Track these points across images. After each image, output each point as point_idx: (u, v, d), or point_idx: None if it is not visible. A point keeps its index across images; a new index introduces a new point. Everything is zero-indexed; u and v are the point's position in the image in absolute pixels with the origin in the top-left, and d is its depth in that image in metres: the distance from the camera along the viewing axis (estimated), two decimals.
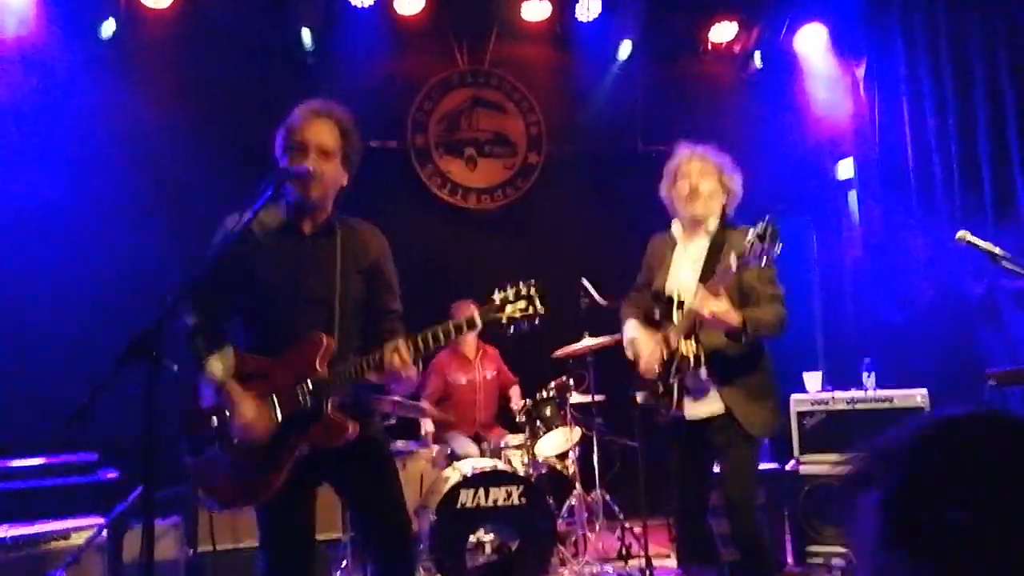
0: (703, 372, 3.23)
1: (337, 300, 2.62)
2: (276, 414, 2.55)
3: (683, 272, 3.37)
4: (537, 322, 2.55)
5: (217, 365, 2.57)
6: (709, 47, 6.65)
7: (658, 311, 3.42)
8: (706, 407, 3.27)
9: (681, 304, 3.27)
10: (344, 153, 2.68)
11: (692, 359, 3.21)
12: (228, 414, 2.55)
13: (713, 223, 3.35)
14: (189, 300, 2.63)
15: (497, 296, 2.53)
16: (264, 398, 2.56)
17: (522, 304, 2.51)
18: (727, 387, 3.23)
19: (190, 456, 2.65)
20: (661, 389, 3.34)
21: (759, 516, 3.41)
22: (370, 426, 2.72)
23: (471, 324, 2.52)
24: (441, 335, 2.52)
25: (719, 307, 3.04)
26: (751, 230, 2.90)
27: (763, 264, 2.92)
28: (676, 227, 3.48)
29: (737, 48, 6.68)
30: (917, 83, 5.85)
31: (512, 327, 2.54)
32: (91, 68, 5.53)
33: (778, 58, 6.63)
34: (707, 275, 3.21)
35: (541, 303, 2.53)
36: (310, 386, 2.54)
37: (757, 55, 6.66)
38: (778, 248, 2.86)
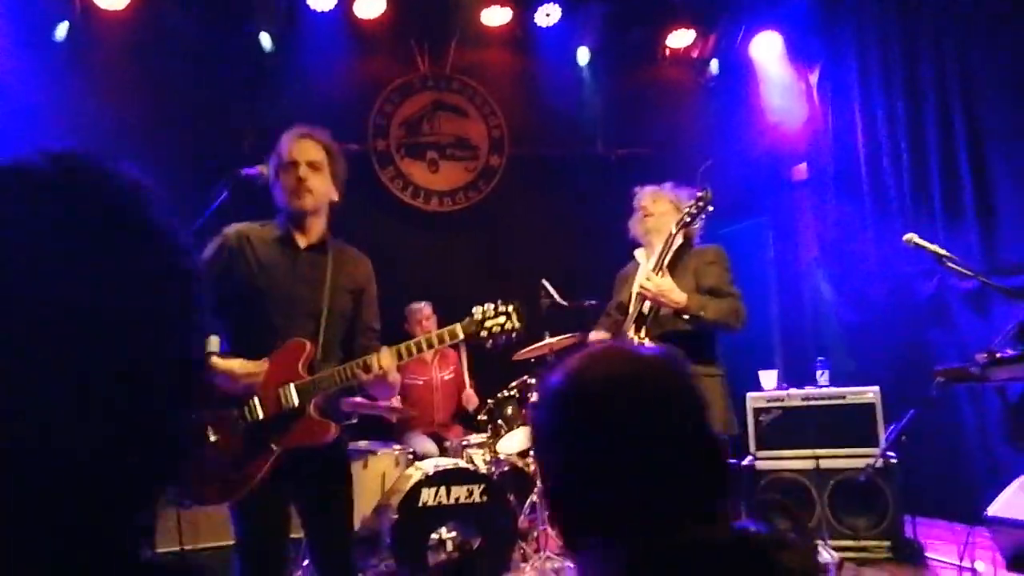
0: None
1: (324, 312, 2.74)
2: (258, 414, 2.64)
3: (642, 279, 3.56)
4: (515, 336, 2.77)
5: (207, 342, 2.64)
6: (667, 53, 6.76)
7: (621, 319, 3.62)
8: None
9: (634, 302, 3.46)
10: (332, 170, 2.84)
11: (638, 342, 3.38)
12: (225, 381, 2.59)
13: (676, 241, 3.57)
14: None
15: (477, 311, 2.73)
16: (245, 399, 2.65)
17: (501, 319, 2.72)
18: None
19: None
20: None
21: None
22: (339, 436, 2.80)
23: (452, 335, 2.71)
24: (424, 345, 2.71)
25: (662, 281, 3.27)
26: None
27: (698, 223, 3.29)
28: (639, 254, 3.76)
29: (695, 54, 6.79)
30: (869, 89, 5.98)
31: (491, 341, 2.73)
32: (45, 70, 5.47)
33: (734, 65, 6.75)
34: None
35: (518, 319, 2.74)
36: (294, 388, 2.64)
37: (714, 62, 6.79)
38: (711, 208, 3.27)
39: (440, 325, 5.46)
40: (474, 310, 2.75)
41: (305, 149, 2.79)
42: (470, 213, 6.57)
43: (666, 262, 3.47)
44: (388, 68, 6.46)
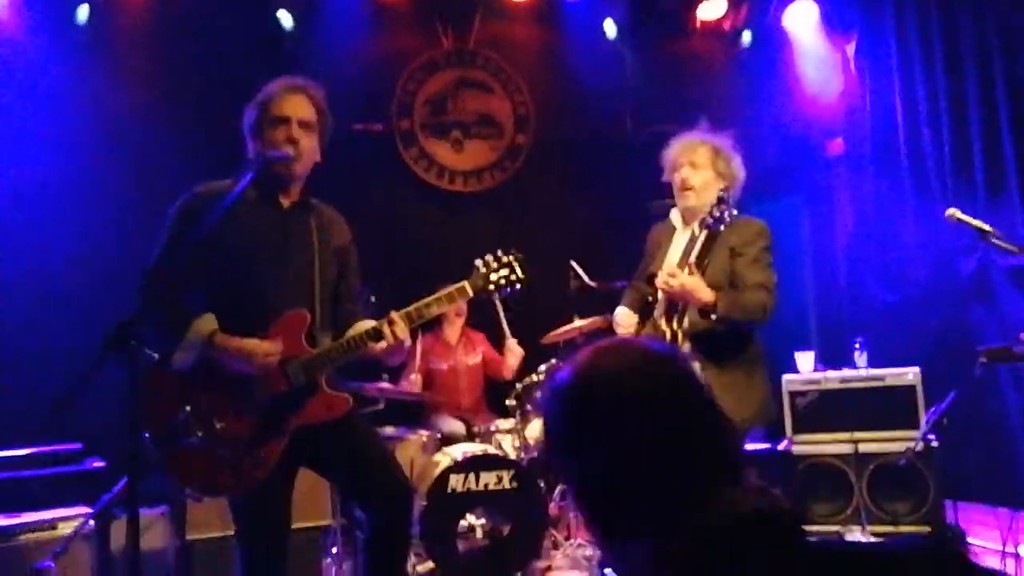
0: (688, 353, 3.22)
1: (316, 277, 2.61)
2: (266, 393, 2.52)
3: (674, 256, 3.37)
4: (520, 288, 2.66)
5: (203, 322, 2.49)
6: (698, 25, 6.58)
7: (650, 295, 3.41)
8: None
9: None
10: (320, 129, 2.70)
11: (669, 337, 3.20)
12: (239, 362, 2.47)
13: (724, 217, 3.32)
14: (161, 279, 2.58)
15: (480, 265, 2.60)
16: (253, 378, 2.52)
17: (505, 272, 2.63)
18: (708, 368, 3.18)
19: (162, 449, 2.53)
20: None
21: None
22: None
23: (461, 292, 2.61)
24: (434, 305, 2.59)
25: (685, 280, 3.04)
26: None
27: (722, 228, 2.98)
28: (675, 214, 3.49)
29: (726, 26, 6.61)
30: (908, 61, 5.81)
31: (499, 293, 2.64)
32: (65, 53, 5.43)
33: (768, 36, 6.57)
34: (700, 260, 3.19)
35: (522, 270, 2.64)
36: (300, 364, 2.52)
37: (747, 33, 6.60)
38: (734, 211, 2.97)
39: (470, 308, 5.47)
40: (476, 263, 2.67)
41: (298, 105, 2.65)
42: (496, 193, 6.46)
43: (693, 258, 3.24)
44: (411, 45, 6.34)
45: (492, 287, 2.62)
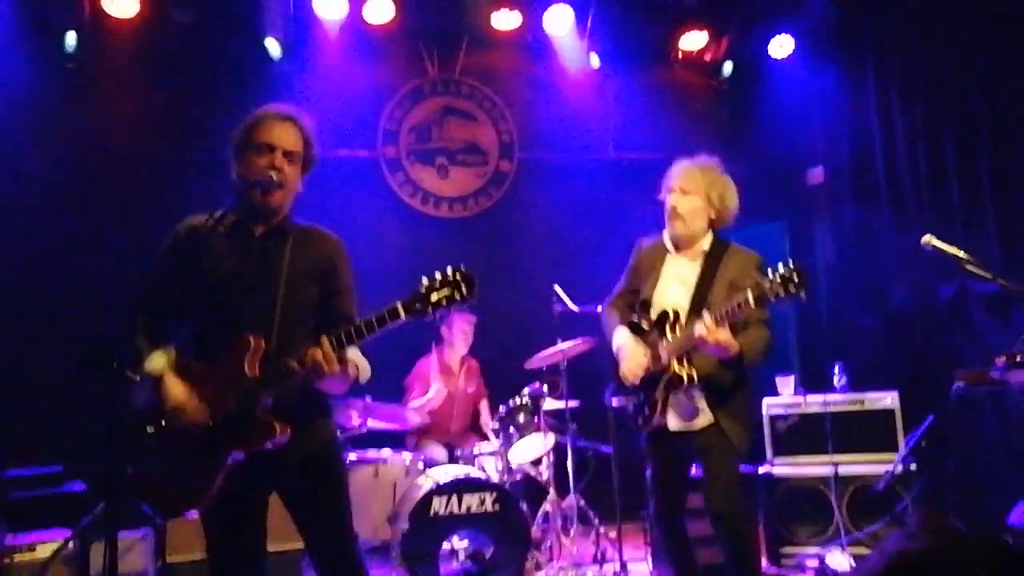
0: (696, 393, 3.25)
1: (280, 300, 2.55)
2: (208, 420, 2.49)
3: (673, 287, 3.37)
4: (464, 303, 2.49)
5: (157, 359, 2.51)
6: (680, 56, 6.70)
7: (644, 322, 3.41)
8: (692, 421, 3.28)
9: (675, 321, 3.25)
10: (305, 159, 2.66)
11: (685, 379, 3.20)
12: (162, 404, 2.47)
13: (707, 242, 3.36)
14: (138, 302, 2.62)
15: (424, 282, 2.46)
16: (202, 402, 2.50)
17: (447, 291, 2.44)
18: (719, 409, 3.24)
19: (132, 469, 2.55)
20: (644, 399, 3.35)
21: (751, 527, 3.41)
22: (315, 434, 2.65)
23: (392, 314, 2.43)
24: (364, 328, 2.44)
25: (723, 337, 3.01)
26: (774, 271, 2.88)
27: (773, 300, 2.89)
28: (667, 237, 3.47)
29: (708, 57, 6.73)
30: (886, 91, 5.92)
31: (436, 314, 2.47)
32: (54, 79, 5.49)
33: (748, 67, 6.68)
34: (700, 296, 3.24)
35: (467, 288, 2.46)
36: (237, 391, 2.47)
37: (728, 64, 6.71)
38: (803, 295, 2.84)
39: (475, 332, 5.49)
40: (422, 280, 2.47)
41: (285, 134, 2.59)
42: (481, 219, 6.52)
43: (685, 286, 3.29)
44: (398, 74, 6.43)
45: (429, 308, 2.43)
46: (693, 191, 3.32)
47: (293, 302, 2.58)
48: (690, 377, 3.19)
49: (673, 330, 3.25)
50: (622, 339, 3.43)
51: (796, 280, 2.84)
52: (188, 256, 2.56)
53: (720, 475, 3.24)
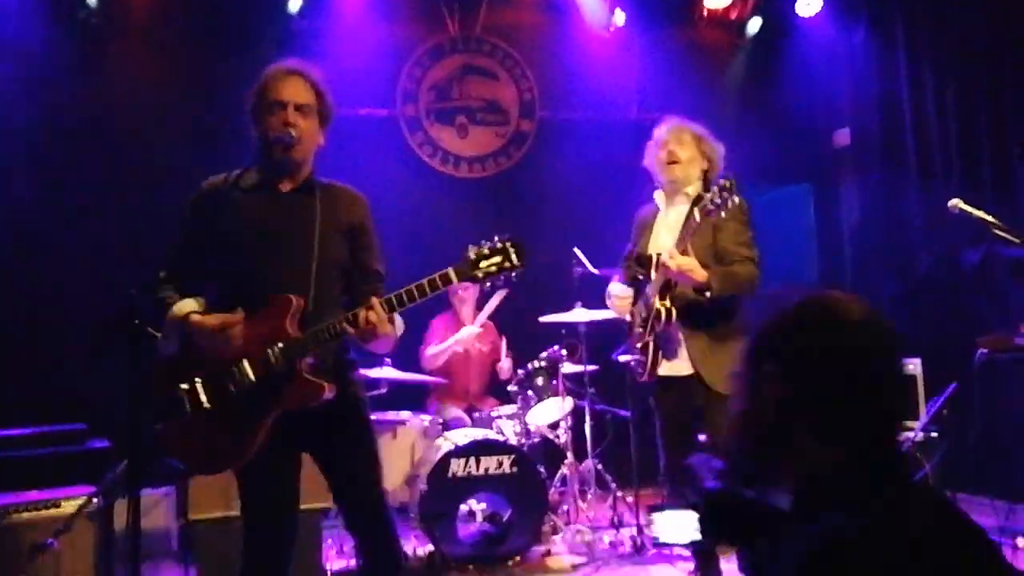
0: (676, 328, 3.39)
1: (315, 259, 2.56)
2: (249, 377, 2.49)
3: (663, 236, 3.52)
4: (514, 276, 2.51)
5: (184, 304, 2.52)
6: (704, 14, 6.55)
7: (640, 274, 3.57)
8: (678, 366, 3.42)
9: (658, 261, 3.40)
10: (320, 111, 2.64)
11: (664, 314, 3.37)
12: (199, 337, 2.47)
13: (693, 189, 3.50)
14: (163, 266, 2.63)
15: (471, 251, 2.48)
16: (232, 363, 2.50)
17: (497, 259, 2.46)
18: (694, 339, 3.37)
19: (157, 426, 2.55)
20: (640, 345, 3.50)
21: None
22: (348, 391, 2.66)
23: (445, 280, 2.47)
24: (416, 292, 2.48)
25: (684, 262, 3.20)
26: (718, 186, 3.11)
27: (723, 214, 3.13)
28: (659, 196, 3.65)
29: (733, 15, 6.57)
30: (916, 52, 5.78)
31: (487, 281, 2.50)
32: (72, 36, 5.44)
33: (775, 25, 6.53)
34: (684, 235, 3.37)
35: (517, 257, 2.48)
36: (280, 347, 2.47)
37: (754, 22, 6.56)
38: (736, 200, 3.11)
39: (477, 298, 5.47)
40: (469, 249, 2.51)
41: (293, 89, 2.59)
42: (500, 179, 6.46)
43: (671, 232, 3.40)
44: (417, 31, 6.33)
45: (480, 275, 2.47)
46: (688, 143, 3.54)
47: (327, 261, 2.60)
48: (668, 311, 3.35)
49: (656, 269, 3.42)
50: (612, 288, 3.70)
51: (728, 184, 3.08)
52: (212, 216, 2.56)
53: (712, 423, 3.36)
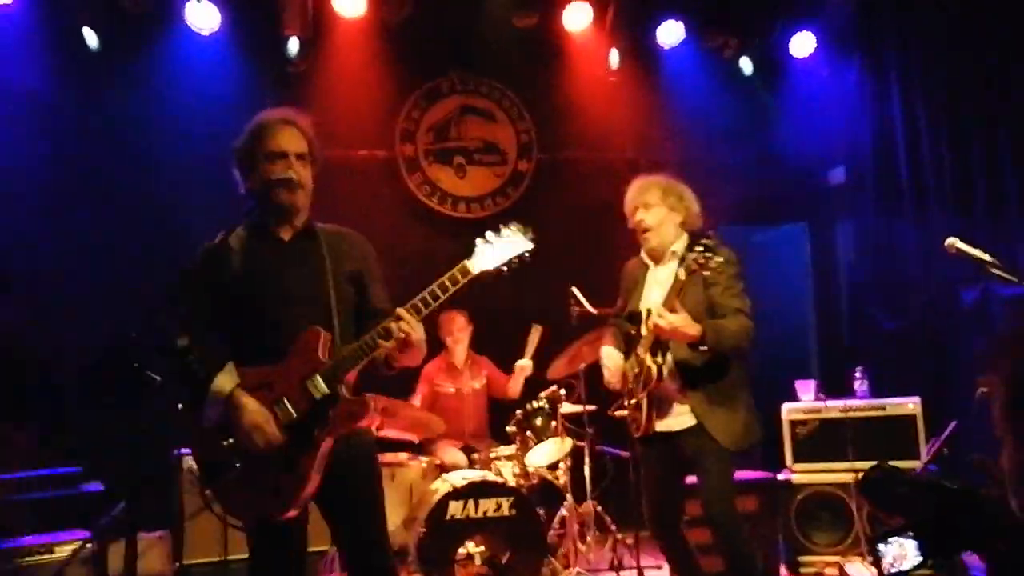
0: (669, 385, 3.33)
1: (332, 303, 2.60)
2: (292, 413, 2.52)
3: (653, 293, 3.47)
4: (527, 256, 2.55)
5: (224, 379, 2.52)
6: (700, 54, 6.60)
7: (632, 330, 3.52)
8: (675, 420, 3.36)
9: (647, 318, 3.35)
10: (313, 159, 2.70)
11: (656, 372, 3.30)
12: (234, 423, 2.50)
13: (679, 246, 3.43)
14: (177, 322, 2.60)
15: (480, 243, 2.52)
16: (273, 405, 2.53)
17: (508, 245, 2.49)
18: (693, 397, 3.32)
19: (212, 484, 2.59)
20: (633, 403, 3.44)
21: (743, 528, 3.41)
22: (359, 437, 2.66)
23: (463, 271, 2.51)
24: (438, 291, 2.51)
25: (675, 319, 3.15)
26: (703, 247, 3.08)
27: (707, 273, 3.12)
28: (644, 254, 3.60)
29: (728, 54, 6.65)
30: (909, 90, 5.85)
31: (507, 268, 2.53)
32: (75, 77, 5.49)
33: (770, 64, 6.60)
34: (673, 293, 3.31)
35: (527, 238, 2.52)
36: (319, 376, 2.51)
37: (747, 63, 6.63)
38: (719, 258, 3.07)
39: (474, 335, 5.46)
40: (477, 243, 2.56)
41: (292, 139, 2.64)
42: (498, 219, 6.40)
43: (660, 292, 3.35)
44: (416, 72, 6.39)
45: (493, 265, 2.51)
46: (654, 202, 3.46)
47: (342, 304, 2.64)
48: (659, 368, 3.30)
49: (646, 326, 3.37)
50: (603, 350, 3.62)
51: (709, 244, 3.05)
52: (219, 278, 2.61)
53: (709, 477, 3.32)
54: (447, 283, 2.50)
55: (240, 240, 2.65)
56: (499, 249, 2.51)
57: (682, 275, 3.13)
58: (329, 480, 2.59)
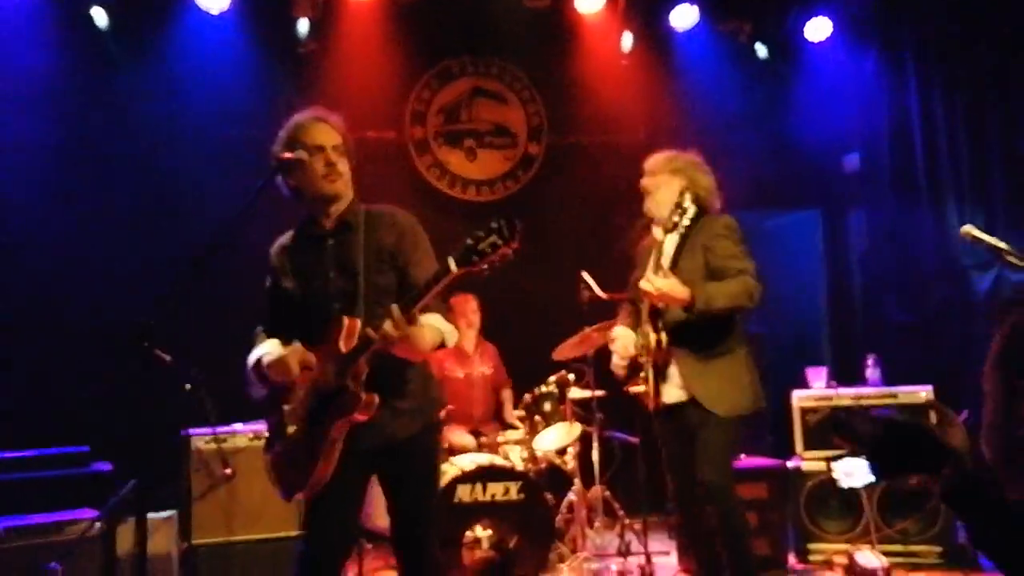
0: (674, 358, 3.37)
1: (361, 288, 2.72)
2: (312, 399, 2.67)
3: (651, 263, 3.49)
4: (511, 255, 2.40)
5: (255, 352, 2.75)
6: (714, 38, 6.55)
7: (639, 304, 3.55)
8: (676, 391, 3.40)
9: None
10: (348, 151, 2.85)
11: (654, 342, 3.36)
12: (272, 378, 2.70)
13: (687, 217, 3.37)
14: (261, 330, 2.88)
15: (468, 238, 2.42)
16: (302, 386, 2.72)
17: (492, 238, 2.36)
18: (684, 359, 3.35)
19: (266, 453, 2.82)
20: (643, 375, 3.48)
21: (738, 504, 3.43)
22: (416, 419, 2.77)
23: (444, 269, 2.42)
24: (423, 289, 2.48)
25: (661, 283, 3.18)
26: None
27: (681, 230, 3.20)
28: (654, 227, 3.61)
29: (743, 39, 6.59)
30: (926, 78, 5.80)
31: (485, 265, 2.39)
32: (84, 57, 5.49)
33: (785, 50, 6.54)
34: (674, 264, 3.38)
35: (509, 232, 2.37)
36: (334, 366, 2.63)
37: (762, 47, 6.57)
38: (687, 215, 3.16)
39: (483, 319, 5.45)
40: (466, 239, 2.42)
41: (327, 133, 2.80)
42: (508, 202, 6.45)
43: (664, 261, 3.36)
44: (426, 54, 6.35)
45: (477, 258, 2.36)
46: (657, 170, 3.55)
47: (375, 287, 2.73)
48: (658, 339, 3.34)
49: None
50: (615, 331, 3.68)
51: (680, 205, 3.14)
52: (277, 277, 2.86)
53: (702, 447, 3.33)
54: (432, 279, 2.46)
55: (297, 239, 2.88)
56: (483, 243, 2.38)
57: (659, 235, 3.20)
58: (394, 463, 2.75)
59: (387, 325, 2.48)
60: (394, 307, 2.49)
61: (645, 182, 3.58)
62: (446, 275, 2.43)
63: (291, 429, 2.71)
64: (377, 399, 2.61)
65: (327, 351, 2.66)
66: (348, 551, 2.84)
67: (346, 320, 2.63)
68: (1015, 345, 1.24)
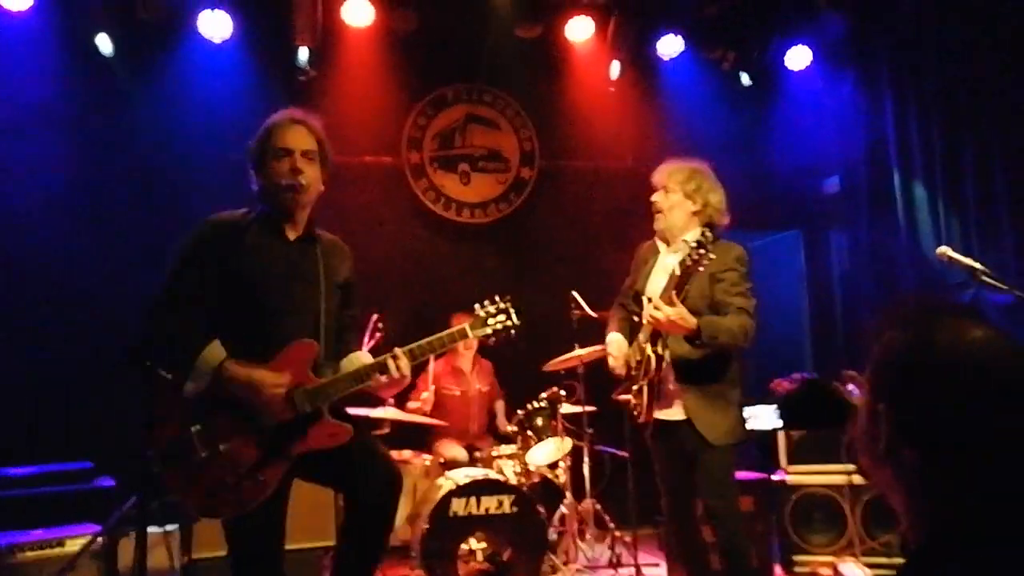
0: (667, 376, 3.38)
1: (322, 312, 2.67)
2: (272, 420, 2.55)
3: (657, 279, 3.47)
4: (514, 333, 2.79)
5: (215, 350, 2.52)
6: (698, 66, 6.73)
7: (636, 314, 3.57)
8: (671, 412, 3.41)
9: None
10: (322, 157, 2.77)
11: (654, 362, 3.34)
12: (246, 391, 2.51)
13: (692, 235, 3.35)
14: (171, 304, 2.62)
15: (480, 311, 2.73)
16: (262, 405, 2.55)
17: (501, 318, 2.74)
18: (688, 392, 3.35)
19: (165, 464, 2.54)
20: (636, 388, 3.49)
21: (742, 525, 3.46)
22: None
23: (461, 334, 2.72)
24: (436, 344, 2.68)
25: (671, 312, 3.14)
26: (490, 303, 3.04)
27: (701, 269, 3.09)
28: (658, 236, 3.62)
29: (726, 67, 6.78)
30: (903, 103, 5.95)
31: (495, 339, 2.77)
32: (90, 83, 5.60)
33: (766, 77, 6.73)
34: (678, 284, 3.29)
35: (516, 316, 2.76)
36: (306, 391, 2.56)
37: (744, 75, 6.75)
38: (711, 256, 3.05)
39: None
40: (476, 308, 2.79)
41: (299, 137, 2.71)
42: (501, 225, 6.60)
43: (665, 276, 3.35)
44: (422, 81, 6.51)
45: (490, 331, 2.77)
46: (672, 188, 3.46)
47: (330, 312, 2.72)
48: (659, 357, 3.32)
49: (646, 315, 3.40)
50: (609, 336, 3.67)
51: (702, 239, 3.04)
52: (223, 252, 2.61)
53: (705, 473, 3.35)
54: (445, 339, 2.69)
55: (255, 229, 2.70)
56: (494, 319, 2.78)
57: (677, 270, 3.14)
58: (308, 462, 2.63)
59: (404, 368, 2.60)
60: (401, 352, 2.62)
61: (658, 200, 3.49)
62: (461, 338, 2.73)
63: (224, 446, 2.51)
64: (352, 430, 2.59)
65: (287, 371, 2.56)
66: (281, 565, 2.67)
67: (316, 346, 2.60)
68: (884, 374, 1.19)
